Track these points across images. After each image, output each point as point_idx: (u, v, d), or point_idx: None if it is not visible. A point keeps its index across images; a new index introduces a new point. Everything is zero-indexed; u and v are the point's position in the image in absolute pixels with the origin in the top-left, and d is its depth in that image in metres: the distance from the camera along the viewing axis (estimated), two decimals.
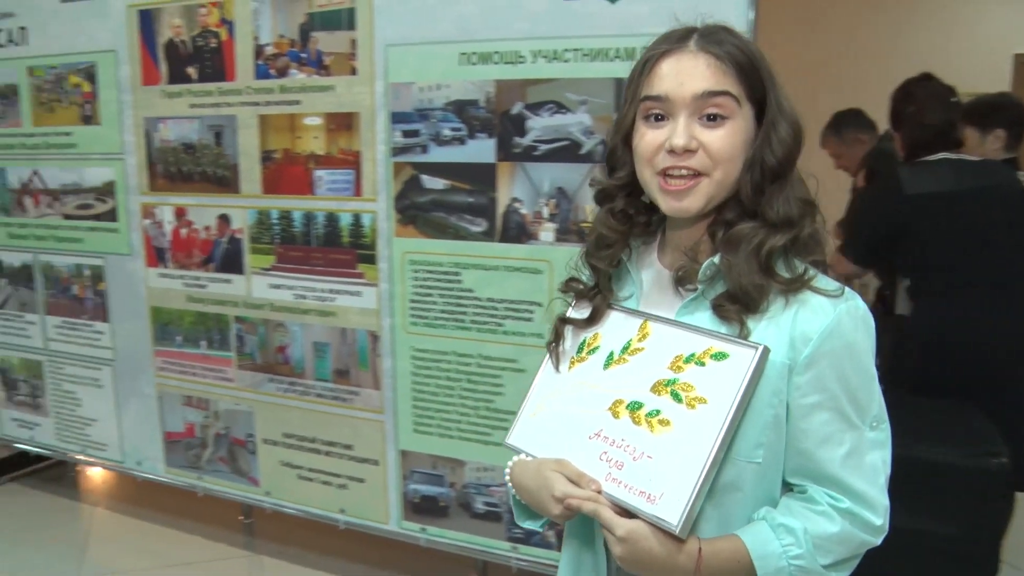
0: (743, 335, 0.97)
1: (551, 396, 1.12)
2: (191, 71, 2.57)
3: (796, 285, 0.98)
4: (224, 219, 2.59)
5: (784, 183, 1.00)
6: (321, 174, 2.38)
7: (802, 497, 1.00)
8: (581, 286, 1.14)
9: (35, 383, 3.24)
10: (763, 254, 0.98)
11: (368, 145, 2.30)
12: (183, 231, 2.68)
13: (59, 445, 3.23)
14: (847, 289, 1.00)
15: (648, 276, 1.10)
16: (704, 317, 1.01)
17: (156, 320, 2.82)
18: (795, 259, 1.01)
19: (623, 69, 1.92)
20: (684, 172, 0.98)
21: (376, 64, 2.26)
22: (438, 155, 2.22)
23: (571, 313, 1.14)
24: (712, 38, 0.99)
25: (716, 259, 1.00)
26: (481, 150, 2.17)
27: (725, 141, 0.97)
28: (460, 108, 2.17)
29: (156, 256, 2.77)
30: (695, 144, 0.97)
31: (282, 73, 2.41)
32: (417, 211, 2.26)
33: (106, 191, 2.84)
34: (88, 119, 2.83)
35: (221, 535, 3.03)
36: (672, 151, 0.97)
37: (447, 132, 2.19)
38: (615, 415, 1.03)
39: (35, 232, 3.08)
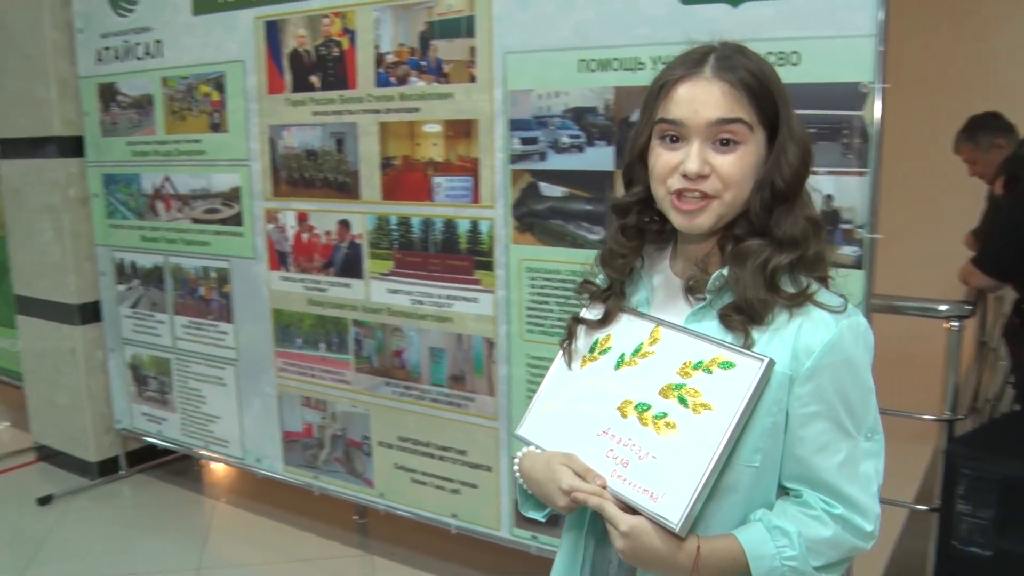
0: (747, 345, 1.04)
1: (563, 392, 1.19)
2: (314, 80, 2.71)
3: (799, 300, 1.05)
4: (344, 224, 2.71)
5: (792, 204, 1.07)
6: (440, 181, 2.47)
7: (798, 501, 1.07)
8: (595, 288, 1.22)
9: (163, 380, 3.47)
10: (768, 270, 1.05)
11: (486, 152, 2.38)
12: (305, 236, 2.83)
13: (184, 440, 3.45)
14: (849, 305, 1.07)
15: (659, 281, 1.18)
16: (711, 326, 1.08)
17: (278, 322, 2.98)
18: (800, 275, 1.08)
19: None
20: (696, 195, 1.05)
21: (495, 71, 2.33)
22: (556, 162, 2.27)
23: (585, 314, 1.22)
24: (727, 63, 1.04)
25: (724, 271, 1.08)
26: (599, 157, 2.21)
27: (736, 166, 1.04)
28: (579, 115, 2.22)
29: (278, 260, 2.92)
30: (708, 169, 1.04)
31: (402, 81, 2.51)
32: (535, 218, 2.32)
33: (232, 196, 3.02)
34: (216, 127, 3.01)
35: (335, 534, 3.17)
36: (685, 175, 1.04)
37: (565, 139, 2.24)
38: (623, 415, 1.10)
39: (166, 235, 3.29)
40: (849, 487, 1.05)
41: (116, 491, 3.68)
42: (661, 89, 1.08)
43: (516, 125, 2.31)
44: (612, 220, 1.21)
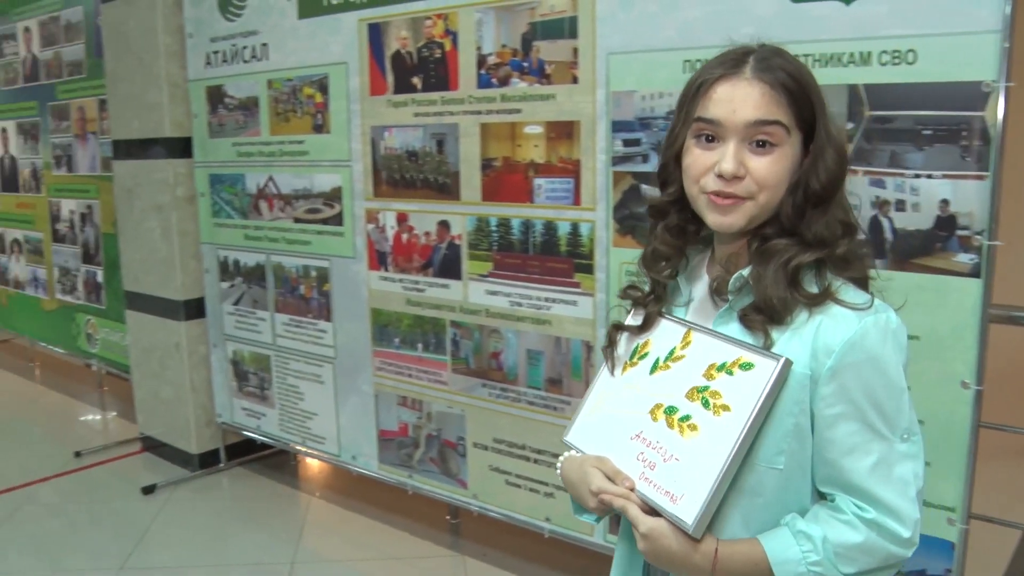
0: (767, 345, 1.06)
1: (605, 398, 1.24)
2: (416, 81, 2.81)
3: (820, 299, 1.06)
4: (444, 225, 2.80)
5: (827, 207, 1.08)
6: (540, 182, 2.53)
7: (830, 506, 1.07)
8: (639, 294, 1.24)
9: (263, 376, 3.63)
10: (791, 268, 1.06)
11: (588, 154, 2.42)
12: (404, 236, 2.93)
13: (282, 435, 3.60)
14: (877, 302, 1.07)
15: (698, 287, 1.20)
16: (735, 327, 1.10)
17: (376, 321, 3.09)
18: (829, 275, 1.09)
19: (858, 75, 1.93)
20: (729, 195, 1.07)
21: (598, 72, 2.38)
22: None
23: (628, 320, 1.26)
24: (766, 64, 1.06)
25: (746, 272, 1.10)
26: None
27: (772, 168, 1.06)
28: None
29: (378, 260, 3.03)
30: (743, 171, 1.05)
31: (504, 82, 2.58)
32: (636, 221, 2.35)
33: (334, 196, 3.15)
34: (319, 128, 3.15)
35: (428, 533, 3.26)
36: (720, 176, 1.06)
37: None
38: (654, 418, 1.14)
39: (268, 234, 3.45)
40: (883, 490, 1.04)
41: (215, 483, 3.87)
42: (700, 88, 1.10)
43: (619, 127, 2.35)
44: (652, 222, 1.23)
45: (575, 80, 2.43)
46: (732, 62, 1.08)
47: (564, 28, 2.43)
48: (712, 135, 1.08)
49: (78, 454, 4.23)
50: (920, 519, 1.06)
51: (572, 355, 2.55)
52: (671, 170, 1.16)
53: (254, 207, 3.49)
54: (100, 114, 4.44)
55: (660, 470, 1.10)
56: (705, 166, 1.08)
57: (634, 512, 1.08)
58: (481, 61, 2.63)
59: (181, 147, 3.70)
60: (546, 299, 2.58)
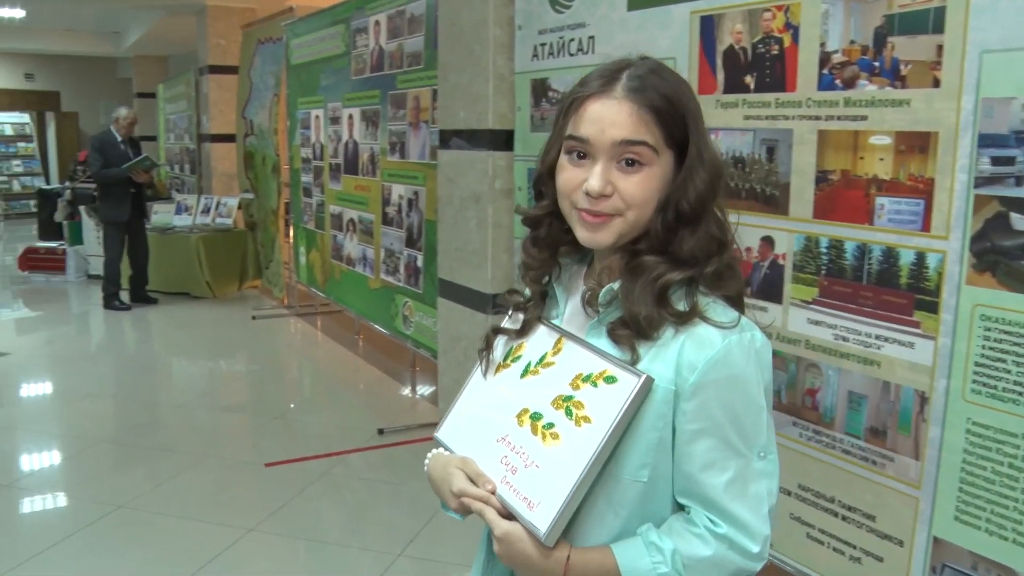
0: (633, 360, 1.10)
1: (476, 398, 1.28)
2: (748, 80, 2.63)
3: (687, 317, 1.09)
4: (767, 242, 2.61)
5: (696, 225, 1.11)
6: (883, 202, 2.26)
7: (684, 518, 1.11)
8: (520, 299, 1.29)
9: None
10: (659, 285, 1.10)
11: (945, 172, 2.12)
12: None
13: None
14: (744, 320, 1.11)
15: (574, 296, 1.23)
16: (604, 340, 1.14)
17: None
18: (699, 293, 1.13)
19: None
20: (598, 213, 1.11)
21: (966, 74, 2.06)
22: None
23: (505, 324, 1.30)
24: (639, 83, 1.09)
25: (615, 285, 1.15)
26: None
27: (639, 187, 1.10)
28: None
29: None
30: (609, 189, 1.10)
31: (849, 84, 2.33)
32: (999, 256, 2.01)
33: None
34: None
35: None
36: (588, 193, 1.10)
37: None
38: (520, 423, 1.18)
39: None
40: (736, 506, 1.08)
41: None
42: (571, 105, 1.14)
43: (987, 141, 2.02)
44: (525, 232, 1.27)
45: (936, 83, 2.12)
46: (605, 79, 1.11)
47: (928, 21, 2.14)
48: (583, 152, 1.12)
49: (381, 431, 4.54)
50: (770, 535, 1.11)
51: (902, 404, 2.26)
52: (545, 183, 1.21)
53: None
54: (432, 104, 4.72)
55: (521, 475, 1.14)
56: (575, 183, 1.13)
57: (491, 516, 1.13)
58: (824, 59, 2.40)
59: (503, 140, 3.81)
60: (877, 336, 2.31)
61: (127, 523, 3.56)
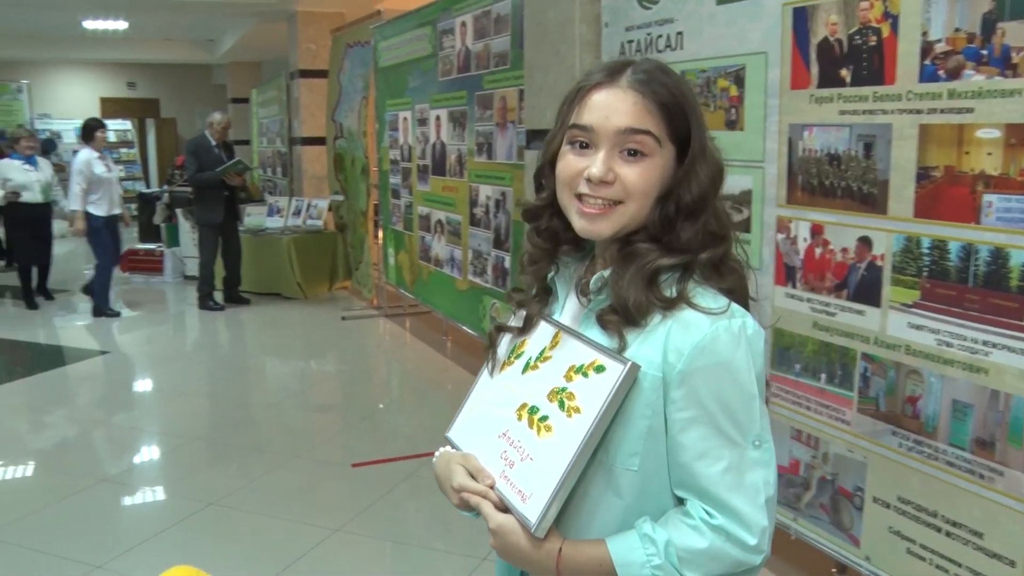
0: (621, 347, 1.10)
1: (483, 396, 1.31)
2: (844, 73, 2.53)
3: (675, 303, 1.10)
4: (864, 242, 2.50)
5: (696, 219, 1.12)
6: (991, 199, 2.14)
7: (681, 510, 1.10)
8: (523, 296, 1.30)
9: None
10: (649, 270, 1.11)
11: None
12: (817, 250, 2.67)
13: None
14: (733, 307, 1.10)
15: (573, 291, 1.24)
16: (594, 328, 1.15)
17: (777, 342, 2.87)
18: (691, 282, 1.13)
19: None
20: (599, 201, 1.12)
21: None
22: None
23: (511, 321, 1.30)
24: (644, 76, 1.11)
25: (605, 273, 1.15)
26: None
27: (641, 176, 1.11)
28: None
29: (785, 274, 2.81)
30: (611, 176, 1.11)
31: (953, 75, 2.22)
32: None
33: (742, 200, 2.97)
34: (732, 124, 2.99)
35: None
36: (589, 179, 1.11)
37: None
38: (519, 418, 1.20)
39: None
40: (731, 497, 1.07)
41: None
42: (577, 94, 1.15)
43: None
44: (526, 225, 1.28)
45: None
46: (610, 72, 1.13)
47: None
48: (586, 142, 1.13)
49: None
50: (768, 527, 1.09)
51: (1012, 414, 2.13)
52: (546, 175, 1.21)
53: None
54: (519, 104, 4.71)
55: (517, 469, 1.16)
56: (576, 171, 1.14)
57: (486, 509, 1.15)
58: (926, 49, 2.29)
59: None
60: (984, 343, 2.19)
61: (218, 520, 3.65)
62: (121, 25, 12.18)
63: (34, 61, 15.38)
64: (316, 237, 8.69)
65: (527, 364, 1.23)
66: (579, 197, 1.14)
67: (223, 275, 8.22)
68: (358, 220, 8.22)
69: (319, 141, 9.46)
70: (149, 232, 10.63)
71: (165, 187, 10.79)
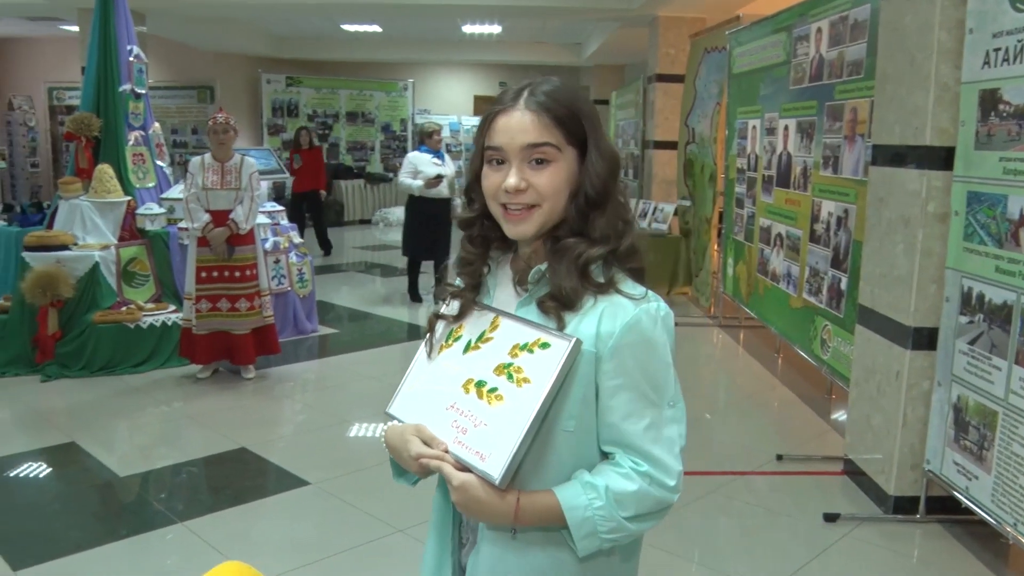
0: (560, 327, 1.32)
1: (423, 375, 1.48)
2: None
3: (605, 288, 1.34)
4: None
5: (604, 208, 1.36)
6: None
7: (611, 462, 1.35)
8: (454, 288, 1.50)
9: (985, 433, 3.24)
10: (581, 262, 1.34)
11: None
12: None
13: (992, 509, 3.19)
14: (649, 293, 1.36)
15: (503, 281, 1.47)
16: (533, 313, 1.37)
17: None
18: (614, 267, 1.37)
19: None
20: (519, 206, 1.35)
21: None
22: None
23: (443, 310, 1.49)
24: (539, 94, 1.35)
25: (543, 266, 1.38)
26: None
27: (549, 181, 1.34)
28: None
29: None
30: (524, 185, 1.34)
31: None
32: None
33: None
34: None
35: None
36: (507, 190, 1.34)
37: None
38: (466, 391, 1.38)
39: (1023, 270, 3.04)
40: (654, 448, 1.32)
41: (906, 534, 3.63)
42: (486, 120, 1.37)
43: None
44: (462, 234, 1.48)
45: None
46: (510, 97, 1.36)
47: None
48: (500, 159, 1.35)
49: (779, 457, 4.40)
50: (682, 471, 1.34)
51: None
52: (475, 190, 1.43)
53: (1012, 236, 3.10)
54: (871, 116, 4.45)
55: (471, 434, 1.33)
56: (497, 185, 1.35)
57: (448, 470, 1.31)
58: None
59: (941, 158, 3.48)
60: None
61: None
62: (496, 29, 13.12)
63: (418, 62, 17.04)
64: (660, 241, 8.81)
65: (467, 345, 1.43)
66: (503, 206, 1.35)
67: None
68: (702, 227, 8.20)
69: (671, 145, 9.55)
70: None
71: None
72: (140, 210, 6.67)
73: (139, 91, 6.94)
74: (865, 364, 4.01)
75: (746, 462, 4.41)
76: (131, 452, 4.63)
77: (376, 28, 13.53)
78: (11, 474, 4.21)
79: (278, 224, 7.35)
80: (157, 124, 7.43)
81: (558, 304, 1.33)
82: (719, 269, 7.94)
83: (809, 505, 3.88)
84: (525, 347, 1.34)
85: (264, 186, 6.02)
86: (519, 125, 1.34)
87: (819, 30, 5.25)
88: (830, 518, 3.68)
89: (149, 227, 6.62)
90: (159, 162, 7.27)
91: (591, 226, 1.35)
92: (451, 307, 1.49)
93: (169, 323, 6.12)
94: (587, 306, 1.33)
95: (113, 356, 5.93)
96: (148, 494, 4.08)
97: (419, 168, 8.02)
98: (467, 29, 13.19)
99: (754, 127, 6.61)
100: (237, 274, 5.59)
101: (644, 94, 10.39)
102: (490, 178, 1.37)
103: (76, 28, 10.42)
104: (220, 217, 5.49)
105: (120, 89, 6.76)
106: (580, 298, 1.33)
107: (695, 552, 3.50)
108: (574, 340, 1.28)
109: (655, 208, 9.18)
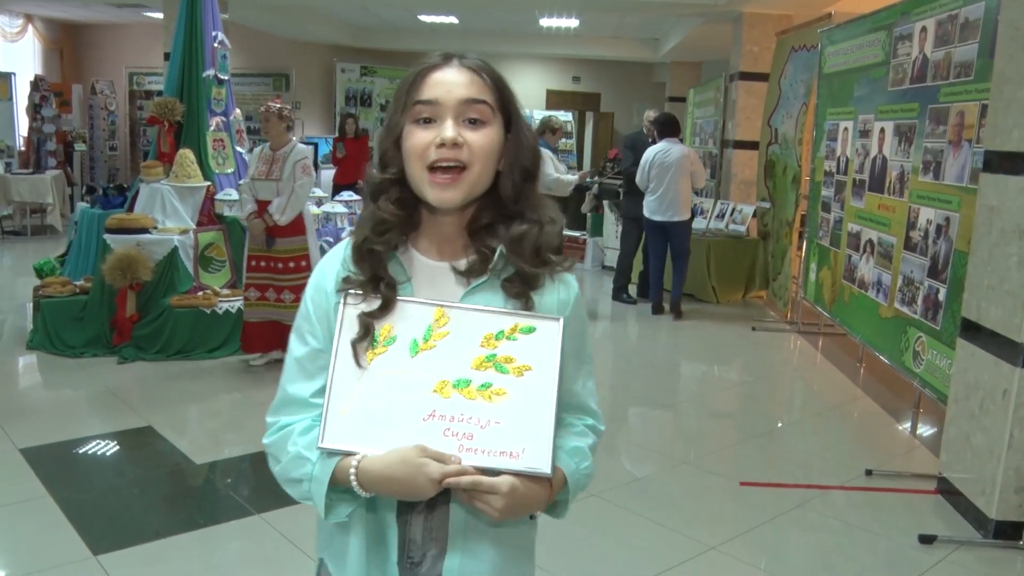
0: (528, 308, 1.33)
1: (357, 391, 1.28)
2: None
3: (555, 266, 1.38)
4: None
5: (535, 183, 1.38)
6: None
7: (564, 426, 1.41)
8: (360, 279, 1.33)
9: None
10: (539, 245, 1.35)
11: None
12: None
13: None
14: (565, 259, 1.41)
15: (418, 268, 1.37)
16: (486, 298, 1.33)
17: None
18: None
19: None
20: (451, 164, 1.28)
21: None
22: None
23: (365, 308, 1.31)
24: (471, 61, 1.33)
25: (501, 248, 1.34)
26: None
27: (484, 140, 1.30)
28: None
29: None
30: (461, 139, 1.28)
31: None
32: None
33: None
34: None
35: None
36: (443, 144, 1.27)
37: None
38: (443, 395, 1.27)
39: None
40: (591, 401, 1.48)
41: (1007, 560, 3.47)
42: (416, 77, 1.32)
43: None
44: (369, 200, 1.37)
45: None
46: (441, 58, 1.33)
47: None
48: (430, 117, 1.29)
49: (869, 472, 4.25)
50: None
51: None
52: (391, 155, 1.33)
53: None
54: (980, 121, 4.26)
55: (481, 437, 1.25)
56: (426, 142, 1.28)
57: (489, 481, 1.23)
58: None
59: None
60: None
61: (599, 511, 3.76)
62: (573, 23, 13.01)
63: (493, 54, 16.96)
64: (737, 243, 8.64)
65: (414, 346, 1.29)
66: (430, 169, 1.28)
67: (640, 270, 8.47)
68: (782, 230, 8.01)
69: (751, 145, 9.36)
70: (575, 219, 11.27)
71: (596, 178, 11.34)
72: (219, 196, 6.74)
73: (222, 77, 7.01)
74: (967, 380, 3.84)
75: (832, 475, 4.26)
76: (204, 438, 4.65)
77: (453, 19, 13.52)
78: (90, 455, 4.27)
79: (354, 214, 7.36)
80: (238, 110, 7.51)
81: (526, 287, 1.34)
82: (800, 274, 7.74)
83: (902, 525, 3.73)
84: (502, 335, 1.30)
85: (313, 176, 5.79)
86: (457, 79, 1.30)
87: (924, 29, 5.05)
88: (926, 540, 3.53)
89: (227, 213, 6.69)
90: (239, 148, 7.34)
91: (526, 206, 1.36)
92: (369, 303, 1.32)
93: None
94: (547, 285, 1.37)
95: (189, 341, 5.98)
96: (223, 482, 4.10)
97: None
98: (544, 22, 13.11)
99: (846, 129, 6.41)
100: (280, 265, 5.53)
101: (725, 92, 10.20)
102: (417, 135, 1.29)
103: (160, 15, 10.58)
104: (263, 207, 5.45)
105: (204, 75, 6.84)
106: (543, 279, 1.36)
107: (783, 570, 3.38)
108: (561, 319, 1.31)
109: (733, 209, 9.02)
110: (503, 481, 1.23)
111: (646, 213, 7.80)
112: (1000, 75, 3.68)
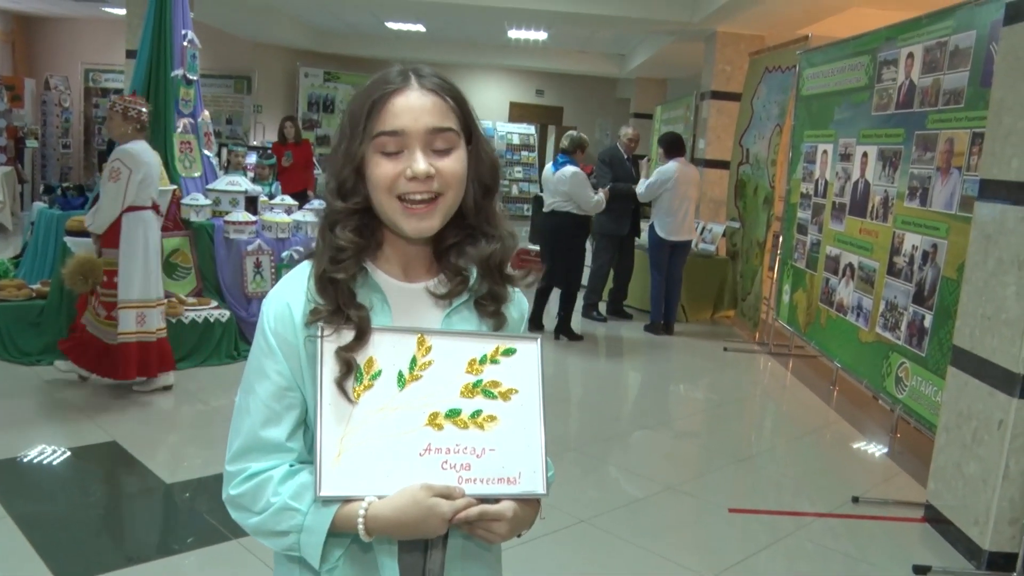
0: (500, 326, 1.35)
1: (349, 433, 1.22)
2: None
3: (519, 284, 1.40)
4: None
5: (494, 198, 1.35)
6: None
7: None
8: (327, 310, 1.24)
9: None
10: (503, 263, 1.35)
11: None
12: None
13: None
14: None
15: (396, 296, 1.31)
16: (462, 318, 1.33)
17: None
18: None
19: None
20: (425, 196, 1.24)
21: None
22: None
23: (341, 341, 1.23)
24: (430, 80, 1.26)
25: (473, 269, 1.34)
26: None
27: (454, 167, 1.25)
28: None
29: None
30: (433, 170, 1.23)
31: None
32: None
33: None
34: None
35: None
36: (415, 178, 1.22)
37: None
38: (436, 427, 1.24)
39: None
40: None
41: None
42: (375, 104, 1.24)
43: None
44: (327, 230, 1.28)
45: None
46: (401, 77, 1.25)
47: None
48: (395, 147, 1.23)
49: (856, 499, 4.22)
50: None
51: None
52: (352, 184, 1.26)
53: None
54: (970, 148, 4.28)
55: (478, 466, 1.24)
56: (395, 174, 1.23)
57: (494, 509, 1.22)
58: None
59: None
60: None
61: (587, 538, 3.68)
62: (542, 35, 13.00)
63: (458, 64, 16.92)
64: (706, 262, 8.65)
65: (400, 379, 1.24)
66: (400, 199, 1.23)
67: (610, 287, 8.43)
68: (753, 251, 8.03)
69: (722, 164, 9.41)
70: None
71: None
72: (185, 200, 6.54)
73: (191, 77, 6.82)
74: (958, 409, 3.83)
75: (819, 503, 4.24)
76: (172, 456, 4.48)
77: (421, 27, 13.43)
78: (52, 473, 4.07)
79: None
80: (206, 112, 7.31)
81: (498, 305, 1.35)
82: (772, 295, 7.76)
83: (894, 554, 3.71)
84: (485, 359, 1.28)
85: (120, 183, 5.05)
86: (421, 106, 1.23)
87: (910, 55, 5.08)
88: (920, 571, 3.51)
89: (194, 219, 6.49)
90: (206, 151, 7.14)
91: (486, 222, 1.33)
92: (342, 336, 1.24)
93: (212, 320, 6.00)
94: (509, 301, 1.38)
95: None
96: (196, 504, 3.91)
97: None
98: (513, 34, 13.08)
99: (825, 152, 6.44)
100: (105, 278, 5.24)
101: (696, 110, 10.23)
102: (383, 167, 1.23)
103: (123, 11, 10.32)
104: None
105: (172, 74, 6.63)
106: (509, 295, 1.37)
107: None
108: (539, 338, 1.32)
109: (703, 227, 9.03)
110: (506, 508, 1.24)
111: (663, 234, 7.70)
112: (998, 103, 3.69)
